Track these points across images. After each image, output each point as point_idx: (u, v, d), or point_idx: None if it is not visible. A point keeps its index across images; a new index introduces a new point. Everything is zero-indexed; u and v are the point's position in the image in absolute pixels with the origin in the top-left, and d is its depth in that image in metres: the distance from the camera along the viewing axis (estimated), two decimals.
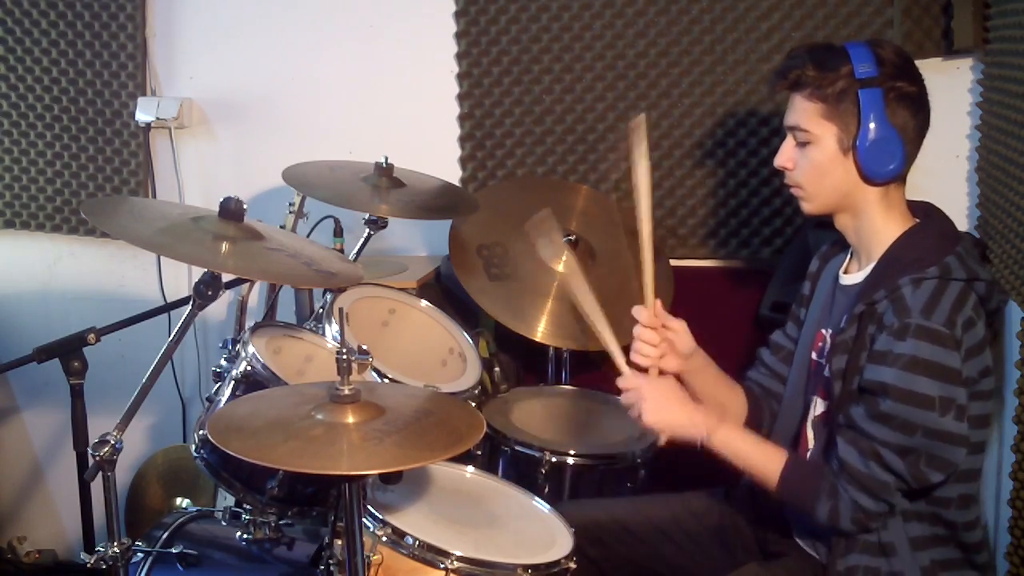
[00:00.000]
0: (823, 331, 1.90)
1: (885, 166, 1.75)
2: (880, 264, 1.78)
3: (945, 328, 1.64)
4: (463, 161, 2.90)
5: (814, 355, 1.91)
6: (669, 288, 2.65)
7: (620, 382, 1.88)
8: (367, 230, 2.40)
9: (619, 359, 1.90)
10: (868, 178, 1.76)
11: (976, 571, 1.80)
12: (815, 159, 1.79)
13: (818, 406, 1.87)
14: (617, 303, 2.51)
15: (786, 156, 1.84)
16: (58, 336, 2.05)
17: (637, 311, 1.95)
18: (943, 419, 1.63)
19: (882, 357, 1.67)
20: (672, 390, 1.86)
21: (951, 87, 2.49)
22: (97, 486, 1.76)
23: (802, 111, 1.79)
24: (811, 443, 1.88)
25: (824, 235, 2.03)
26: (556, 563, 1.75)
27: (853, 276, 1.85)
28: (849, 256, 1.91)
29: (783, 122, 1.84)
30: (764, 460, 1.80)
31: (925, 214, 1.84)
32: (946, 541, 1.76)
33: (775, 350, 2.09)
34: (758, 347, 2.14)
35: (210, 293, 1.72)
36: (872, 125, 1.73)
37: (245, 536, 1.99)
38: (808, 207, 1.85)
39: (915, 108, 1.76)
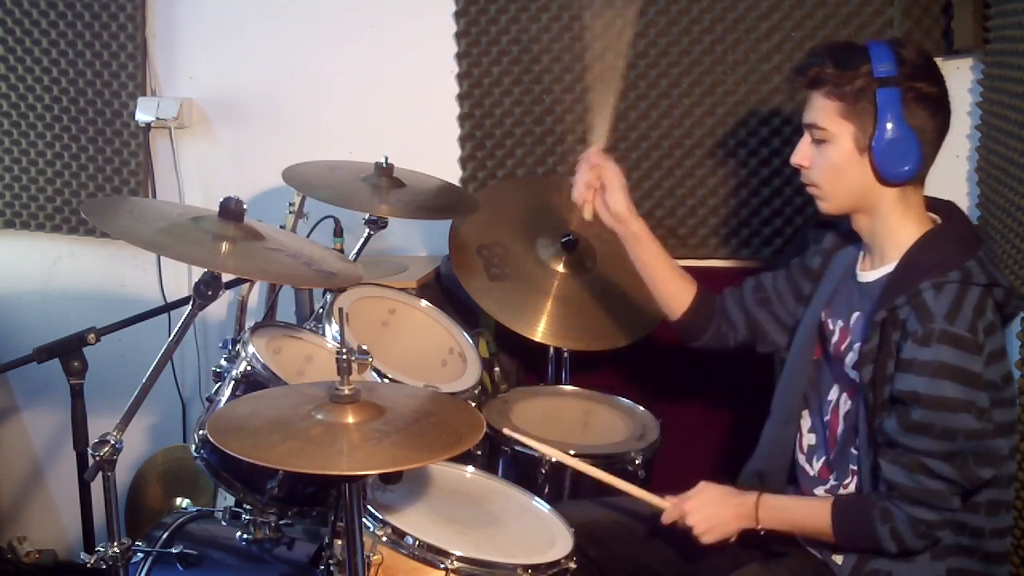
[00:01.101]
0: (829, 319, 1.90)
1: (900, 167, 1.73)
2: (899, 268, 1.76)
3: (969, 333, 1.64)
4: (463, 161, 2.90)
5: (821, 343, 1.91)
6: None
7: (664, 518, 1.88)
8: (367, 230, 2.40)
9: (653, 500, 1.91)
10: (883, 179, 1.75)
11: None
12: (831, 158, 1.78)
13: (845, 401, 1.86)
14: (617, 303, 2.52)
15: (803, 154, 1.83)
16: (58, 336, 2.05)
17: (588, 153, 2.09)
18: (975, 419, 1.63)
19: (909, 365, 1.66)
20: (711, 500, 1.86)
21: (951, 87, 2.47)
22: (97, 486, 1.76)
23: (820, 109, 1.78)
24: (839, 429, 1.87)
25: (824, 234, 2.03)
26: (556, 563, 1.75)
27: (869, 274, 1.84)
28: (863, 252, 1.90)
29: (801, 120, 1.83)
30: (812, 515, 1.80)
31: (947, 216, 1.82)
32: (969, 551, 1.74)
33: (756, 288, 2.11)
34: (755, 275, 2.16)
35: (210, 293, 1.71)
36: (889, 125, 1.71)
37: (245, 536, 1.99)
38: (825, 207, 1.84)
39: (934, 109, 1.75)
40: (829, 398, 1.90)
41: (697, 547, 1.84)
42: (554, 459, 2.03)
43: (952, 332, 1.63)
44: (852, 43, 1.80)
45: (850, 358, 1.82)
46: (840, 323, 1.87)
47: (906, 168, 1.73)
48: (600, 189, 2.07)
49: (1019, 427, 1.94)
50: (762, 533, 1.84)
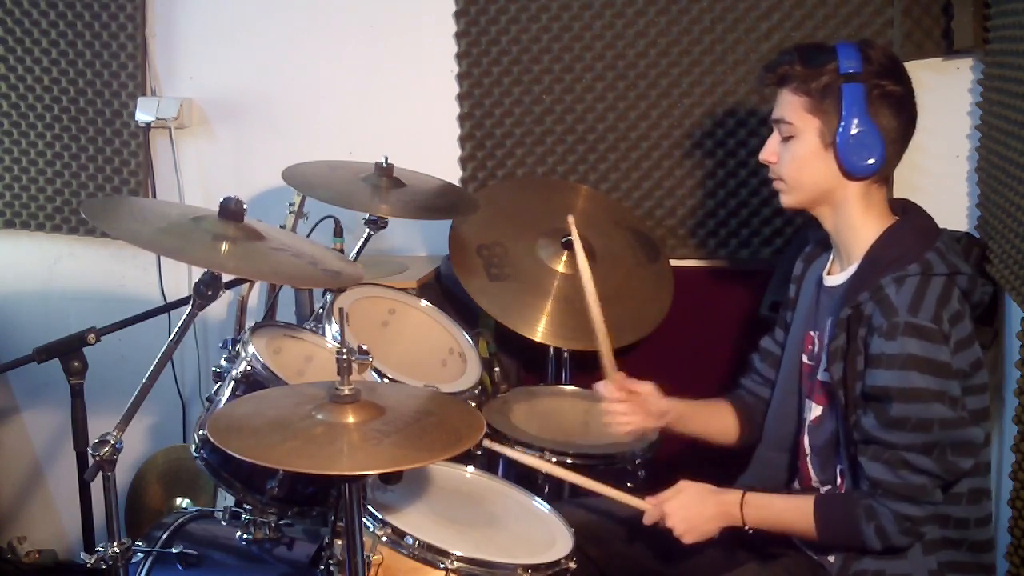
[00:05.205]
0: (811, 333, 1.91)
1: (863, 161, 1.76)
2: (863, 265, 1.79)
3: (933, 324, 1.66)
4: (463, 161, 2.90)
5: (805, 358, 1.92)
6: (669, 288, 2.66)
7: (646, 520, 1.87)
8: (367, 230, 2.40)
9: (633, 502, 1.89)
10: (847, 172, 1.78)
11: (984, 574, 1.80)
12: (797, 152, 1.81)
13: (813, 410, 1.87)
14: (617, 303, 2.52)
15: (770, 150, 1.87)
16: (58, 336, 2.05)
17: (600, 387, 2.03)
18: (948, 408, 1.64)
19: (877, 361, 1.68)
20: (690, 500, 1.85)
21: (951, 87, 2.49)
22: (97, 486, 1.76)
23: (787, 104, 1.81)
24: (807, 448, 1.88)
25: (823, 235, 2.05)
26: (556, 563, 1.75)
27: (836, 277, 1.87)
28: (832, 257, 1.92)
29: (771, 117, 1.86)
30: (795, 513, 1.80)
31: (903, 211, 1.85)
32: (957, 544, 1.76)
33: (764, 356, 2.11)
34: (757, 347, 2.15)
35: (210, 293, 1.71)
36: (853, 120, 1.74)
37: (245, 536, 1.99)
38: (787, 200, 1.87)
39: (898, 108, 1.78)
40: (804, 415, 1.91)
41: (681, 546, 1.84)
42: (531, 465, 2.01)
43: (916, 324, 1.65)
44: (822, 44, 1.83)
45: (823, 361, 1.83)
46: (818, 332, 1.89)
47: (869, 162, 1.76)
48: (637, 407, 2.03)
49: (1016, 423, 1.95)
50: (749, 532, 1.83)
